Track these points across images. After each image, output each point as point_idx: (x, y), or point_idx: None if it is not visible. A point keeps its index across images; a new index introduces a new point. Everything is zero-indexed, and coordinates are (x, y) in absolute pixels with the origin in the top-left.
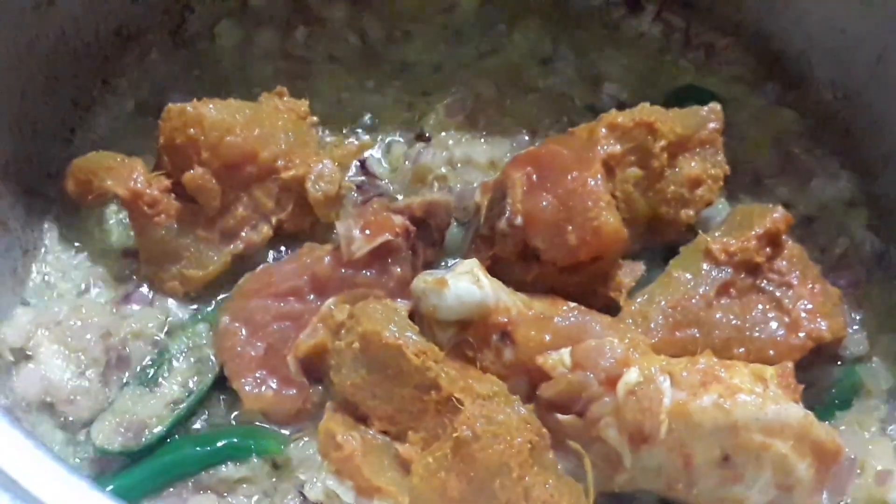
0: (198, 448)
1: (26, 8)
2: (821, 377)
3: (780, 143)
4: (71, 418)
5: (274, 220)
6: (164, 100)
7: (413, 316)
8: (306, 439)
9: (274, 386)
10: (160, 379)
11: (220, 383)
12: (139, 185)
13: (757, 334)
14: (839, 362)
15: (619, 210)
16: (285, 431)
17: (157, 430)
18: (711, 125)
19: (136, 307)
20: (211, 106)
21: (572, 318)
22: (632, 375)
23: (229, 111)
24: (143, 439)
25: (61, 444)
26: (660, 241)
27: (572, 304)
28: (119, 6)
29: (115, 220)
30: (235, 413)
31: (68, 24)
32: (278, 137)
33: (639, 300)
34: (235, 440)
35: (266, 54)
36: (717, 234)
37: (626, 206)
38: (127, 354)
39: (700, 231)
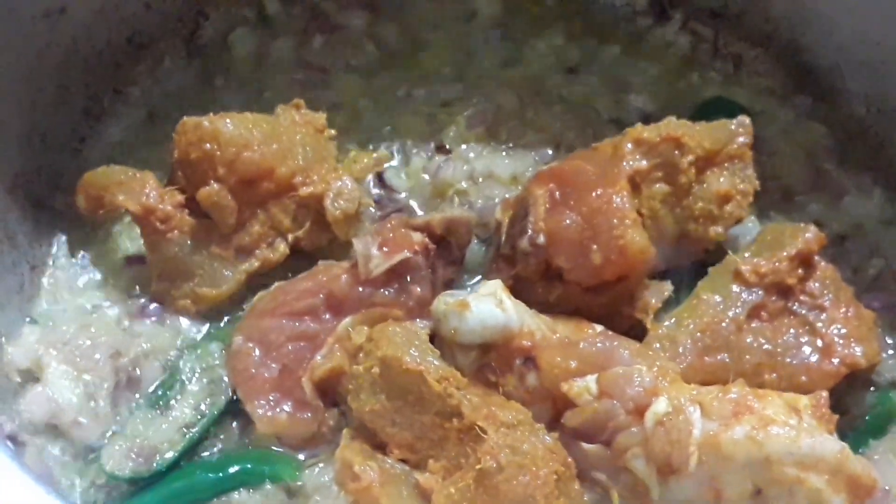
0: (209, 474)
1: (37, 16)
2: (854, 404)
3: (811, 159)
4: (79, 441)
5: (290, 237)
6: (176, 109)
7: (433, 338)
8: (322, 465)
9: (288, 409)
10: (172, 401)
11: (233, 405)
12: (151, 200)
13: (789, 360)
14: (873, 388)
15: (645, 228)
16: (300, 457)
17: (169, 455)
18: (740, 139)
19: (146, 326)
20: (227, 121)
21: (599, 344)
22: (660, 405)
23: (246, 126)
24: (154, 465)
25: (68, 469)
26: (687, 260)
27: (598, 329)
28: (132, 14)
29: (126, 236)
30: (249, 437)
31: (80, 32)
32: (296, 152)
33: (666, 324)
34: (248, 466)
35: (282, 63)
36: (746, 255)
37: (652, 224)
38: (137, 375)
39: (729, 251)
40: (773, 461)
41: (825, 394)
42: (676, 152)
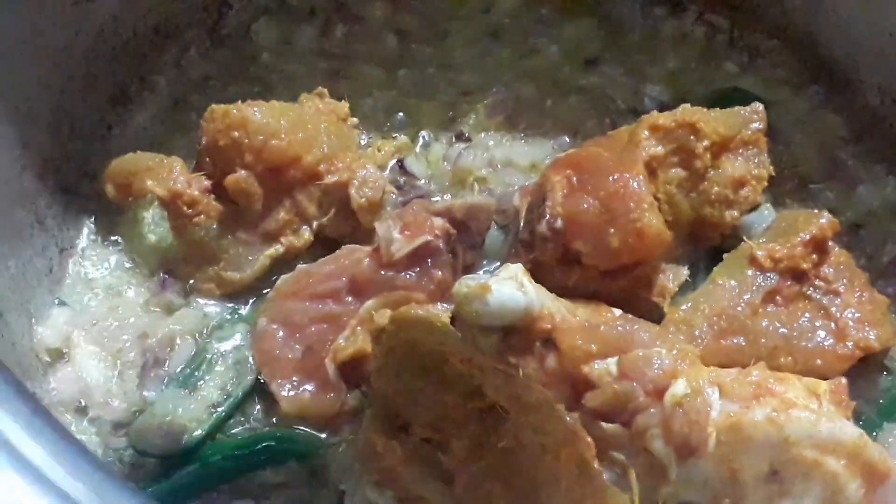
0: (236, 452)
1: (66, 4)
2: (867, 387)
3: (826, 148)
4: (107, 420)
5: (315, 224)
6: (201, 98)
7: (454, 321)
8: (345, 445)
9: (311, 389)
10: (199, 382)
11: (259, 386)
12: (179, 186)
13: (804, 344)
14: (885, 372)
15: (662, 212)
16: (323, 436)
17: (197, 433)
18: (754, 125)
19: (173, 308)
20: (256, 109)
21: (619, 328)
22: (679, 387)
23: (274, 115)
24: (183, 443)
25: (96, 447)
26: (703, 245)
27: (618, 312)
28: (158, 3)
29: (154, 220)
30: (273, 417)
31: (107, 21)
32: (321, 141)
33: (683, 307)
34: (273, 444)
35: (304, 53)
36: (761, 241)
37: (669, 208)
38: (164, 356)
39: (744, 237)
40: (793, 443)
41: (844, 380)
42: (692, 138)
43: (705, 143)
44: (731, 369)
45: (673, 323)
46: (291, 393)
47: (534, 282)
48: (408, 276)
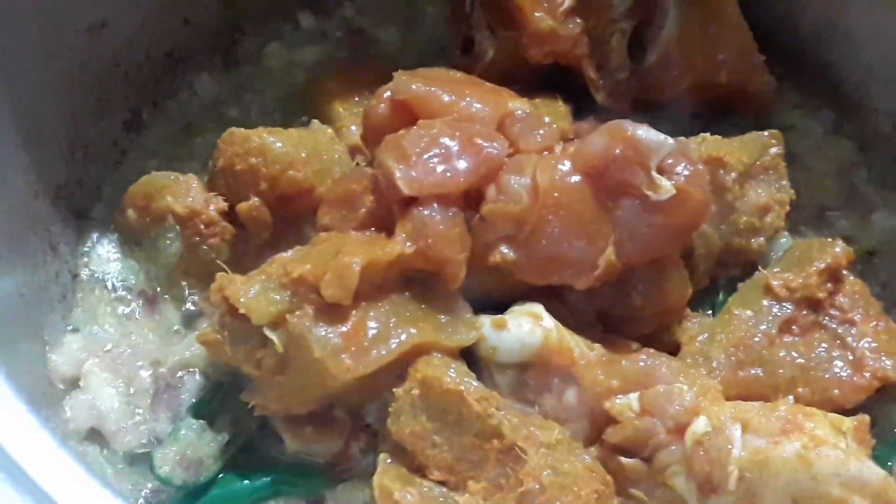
0: (246, 482)
1: (80, 30)
2: (882, 417)
3: (843, 174)
4: (120, 448)
5: None
6: (213, 122)
7: (468, 357)
8: (353, 483)
9: (315, 425)
10: (214, 413)
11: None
12: (197, 204)
13: (821, 374)
14: None
15: (694, 247)
16: (331, 473)
17: (214, 466)
18: (773, 150)
19: (186, 336)
20: (274, 137)
21: (641, 363)
22: (700, 425)
23: (293, 144)
24: (201, 477)
25: (108, 476)
26: (725, 274)
27: (634, 345)
28: (171, 28)
29: (168, 244)
30: (282, 451)
31: (121, 46)
32: (333, 171)
33: (699, 338)
34: (281, 478)
35: (316, 77)
36: (776, 270)
37: (701, 243)
38: (176, 383)
39: (759, 266)
40: (820, 481)
41: (867, 418)
42: (721, 172)
43: (733, 175)
44: (754, 403)
45: (690, 354)
46: (295, 429)
47: (551, 317)
48: None
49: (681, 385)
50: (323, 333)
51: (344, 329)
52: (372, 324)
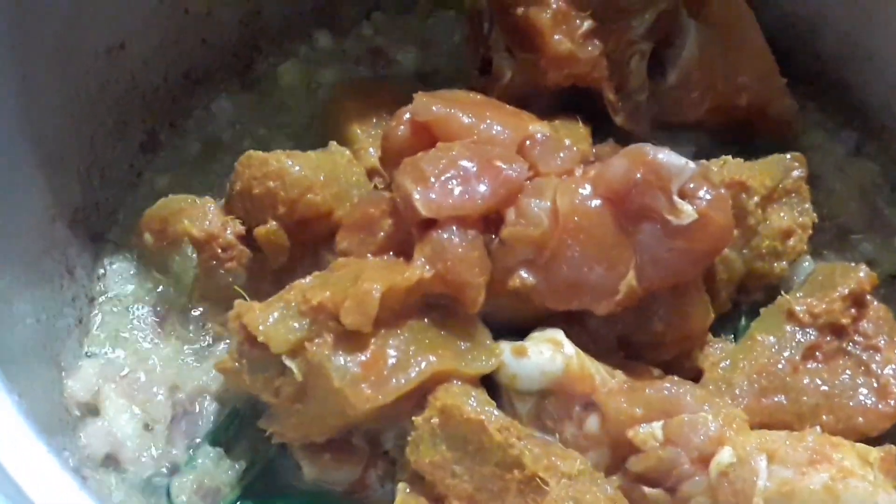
0: None
1: (98, 52)
2: None
3: (866, 196)
4: (138, 477)
5: None
6: (230, 142)
7: (487, 384)
8: None
9: (333, 452)
10: (232, 440)
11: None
12: (214, 228)
13: (846, 401)
14: None
15: (716, 271)
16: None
17: (231, 495)
18: (795, 173)
19: (203, 361)
20: (292, 161)
21: (665, 391)
22: (725, 456)
23: (311, 167)
24: None
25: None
26: (747, 298)
27: (656, 371)
28: (189, 49)
29: (184, 268)
30: (299, 478)
31: (138, 67)
32: (352, 195)
33: (721, 365)
34: None
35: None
36: (799, 295)
37: (723, 268)
38: (194, 410)
39: (782, 291)
40: None
41: (894, 448)
42: (743, 196)
43: (756, 199)
44: (781, 432)
45: (712, 381)
46: (313, 455)
47: (572, 343)
48: None
49: (706, 414)
50: (342, 362)
51: (363, 358)
52: (391, 352)
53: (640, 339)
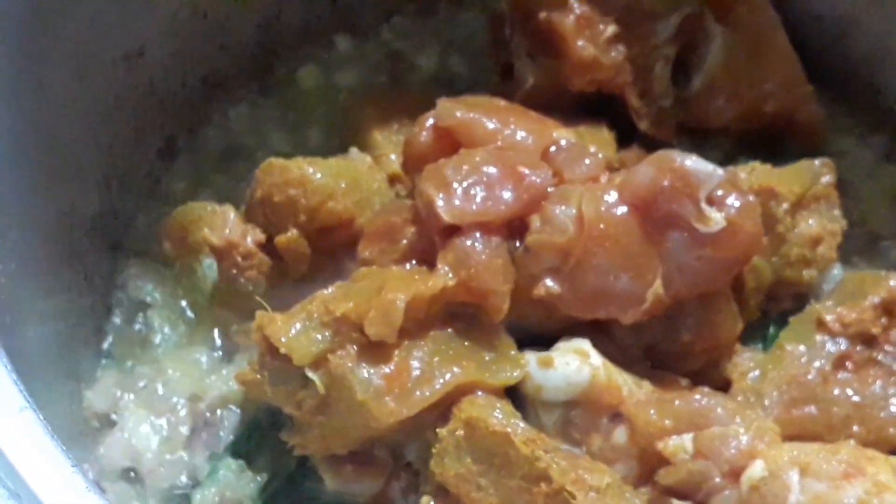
0: None
1: (117, 59)
2: None
3: (895, 203)
4: (158, 488)
5: None
6: (249, 148)
7: (512, 395)
8: None
9: (356, 464)
10: (252, 452)
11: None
12: (235, 236)
13: (877, 412)
14: None
15: (745, 280)
16: None
17: None
18: (825, 179)
19: (224, 370)
20: (314, 168)
21: (695, 402)
22: (756, 470)
23: (332, 174)
24: None
25: None
26: (776, 307)
27: (684, 381)
28: (207, 54)
29: (204, 277)
30: (322, 490)
31: (157, 74)
32: (373, 203)
33: (750, 375)
34: None
35: (353, 101)
36: (829, 303)
37: (752, 276)
38: (215, 420)
39: (812, 299)
40: None
41: None
42: (772, 203)
43: (785, 206)
44: (814, 445)
45: (741, 391)
46: (335, 467)
47: (599, 353)
48: None
49: (737, 427)
50: (366, 375)
51: (387, 370)
52: (415, 363)
53: (668, 349)
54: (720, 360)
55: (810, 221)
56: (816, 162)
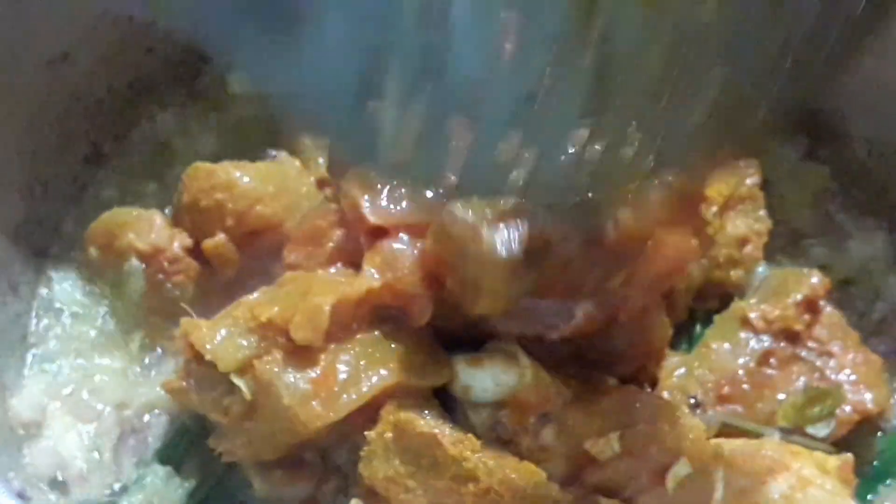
0: None
1: (40, 64)
2: (862, 449)
3: (817, 202)
4: (83, 496)
5: None
6: (176, 154)
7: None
8: None
9: (285, 468)
10: (181, 458)
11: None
12: (161, 241)
13: None
14: (880, 433)
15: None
16: None
17: None
18: (750, 180)
19: (151, 376)
20: (241, 172)
21: (621, 402)
22: (682, 468)
23: (260, 178)
24: None
25: None
26: (703, 306)
27: (612, 380)
28: (134, 59)
29: (131, 282)
30: (250, 495)
31: (82, 79)
32: (302, 206)
33: (676, 373)
34: None
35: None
36: (752, 301)
37: (682, 279)
38: (142, 427)
39: (735, 297)
40: None
41: (851, 456)
42: (701, 205)
43: (714, 208)
44: (738, 441)
45: (667, 389)
46: (264, 473)
47: (527, 355)
48: None
49: (662, 425)
50: (292, 380)
51: (313, 374)
52: (342, 367)
53: (598, 357)
54: (649, 363)
55: (737, 222)
56: (741, 163)
